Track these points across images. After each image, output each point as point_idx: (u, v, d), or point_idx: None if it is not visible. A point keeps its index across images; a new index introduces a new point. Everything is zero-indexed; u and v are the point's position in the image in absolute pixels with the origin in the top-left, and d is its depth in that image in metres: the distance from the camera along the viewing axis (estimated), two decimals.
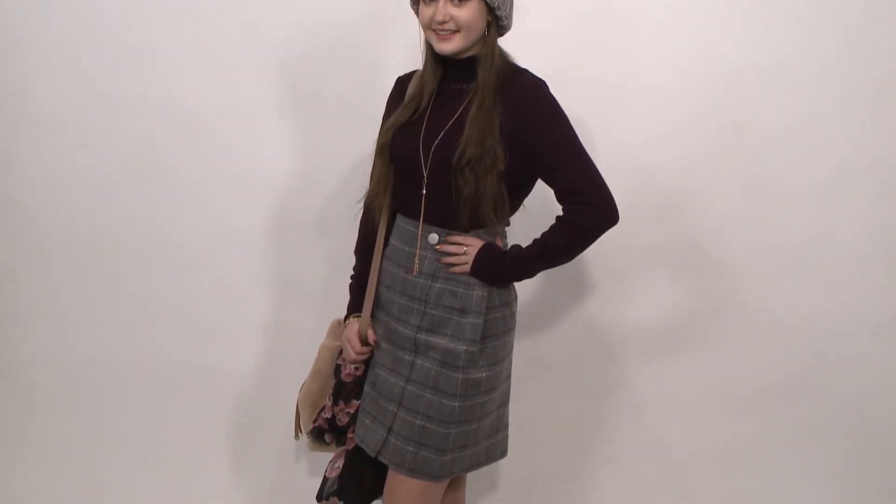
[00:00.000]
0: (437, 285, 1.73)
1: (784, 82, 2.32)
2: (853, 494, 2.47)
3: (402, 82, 1.87)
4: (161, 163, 2.32)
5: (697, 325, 2.43)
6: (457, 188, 1.67)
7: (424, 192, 1.72)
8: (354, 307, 1.86)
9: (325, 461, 2.08)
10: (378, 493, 1.82)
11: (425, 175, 1.71)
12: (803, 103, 2.33)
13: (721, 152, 2.35)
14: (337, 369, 1.86)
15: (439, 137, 1.70)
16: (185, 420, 2.39)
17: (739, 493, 2.47)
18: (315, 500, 1.84)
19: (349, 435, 1.82)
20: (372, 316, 1.82)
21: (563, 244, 1.72)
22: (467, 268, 1.72)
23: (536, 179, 1.77)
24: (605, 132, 2.24)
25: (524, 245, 1.74)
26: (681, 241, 2.39)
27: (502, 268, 1.73)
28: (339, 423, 1.83)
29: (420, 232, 1.74)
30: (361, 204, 1.86)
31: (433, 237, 1.73)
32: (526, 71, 1.75)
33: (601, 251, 2.34)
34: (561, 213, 1.71)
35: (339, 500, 1.80)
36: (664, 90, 2.31)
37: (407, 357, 1.74)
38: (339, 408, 1.83)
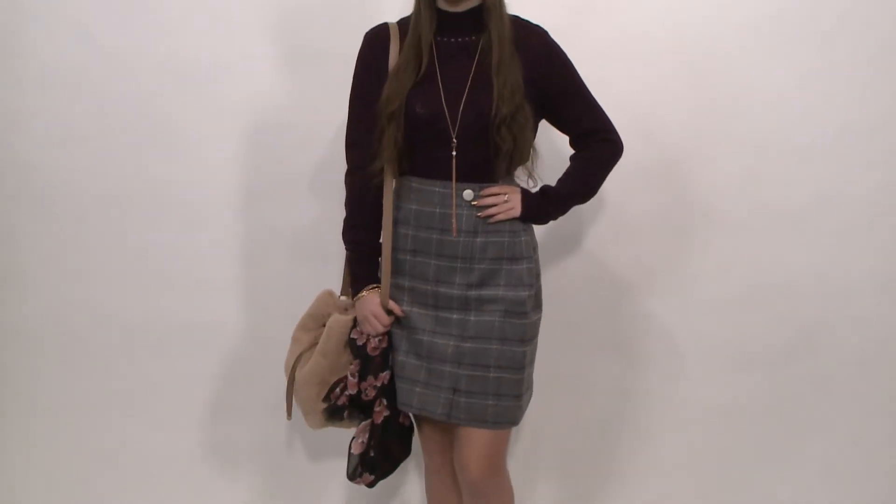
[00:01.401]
0: (479, 240, 1.75)
1: (791, 39, 2.30)
2: (858, 452, 2.48)
3: (375, 39, 1.79)
4: (163, 119, 2.30)
5: (703, 285, 2.42)
6: (494, 146, 1.70)
7: (455, 152, 1.71)
8: (368, 279, 1.80)
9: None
10: (404, 457, 1.87)
11: (454, 136, 1.70)
12: (810, 60, 2.31)
13: (727, 110, 2.33)
14: (352, 343, 1.80)
15: (465, 97, 1.70)
16: (190, 377, 2.40)
17: (745, 450, 2.48)
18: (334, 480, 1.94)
19: (376, 409, 1.79)
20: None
21: (592, 178, 1.84)
22: (515, 213, 1.76)
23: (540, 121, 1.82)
24: (605, 90, 2.20)
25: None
26: (687, 200, 2.38)
27: (546, 207, 1.81)
28: (366, 398, 1.78)
29: (454, 191, 1.73)
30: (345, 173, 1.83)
31: (468, 193, 1.74)
32: (523, 18, 1.77)
33: (606, 211, 2.35)
34: (576, 151, 1.84)
35: (371, 474, 1.80)
36: (668, 47, 2.28)
37: (455, 316, 1.75)
38: (368, 382, 1.78)
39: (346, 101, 2.24)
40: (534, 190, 1.84)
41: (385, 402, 1.79)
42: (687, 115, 2.33)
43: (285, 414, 1.94)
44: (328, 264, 2.32)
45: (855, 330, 2.44)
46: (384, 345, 1.78)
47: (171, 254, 2.36)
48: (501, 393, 1.74)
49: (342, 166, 2.29)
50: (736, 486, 2.48)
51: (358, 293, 1.80)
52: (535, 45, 1.75)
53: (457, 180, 1.73)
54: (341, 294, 1.92)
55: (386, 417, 1.79)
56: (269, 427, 2.42)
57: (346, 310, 1.85)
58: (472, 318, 1.74)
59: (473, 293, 1.75)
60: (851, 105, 2.33)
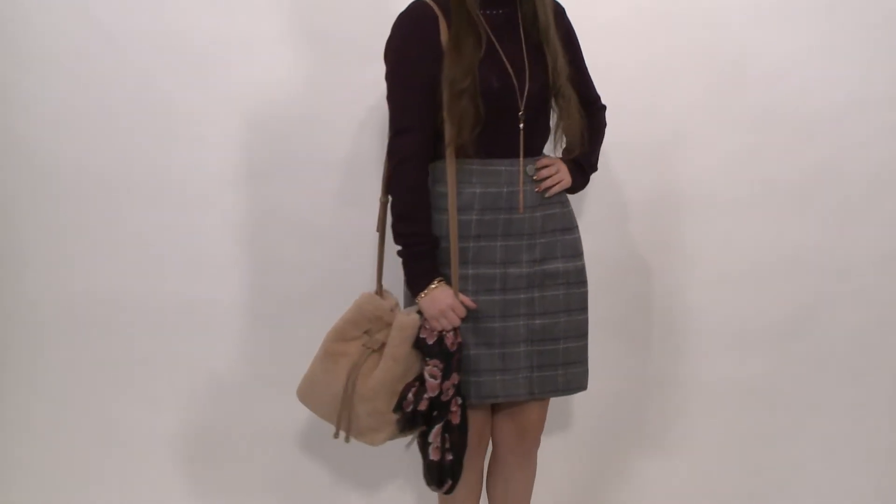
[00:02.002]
0: (538, 214, 1.77)
1: (793, 14, 2.30)
2: (859, 430, 2.49)
3: (423, 18, 1.70)
4: (163, 98, 2.29)
5: (703, 262, 2.42)
6: (548, 116, 1.78)
7: (522, 125, 1.72)
8: (434, 272, 1.69)
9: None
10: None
11: (521, 109, 1.71)
12: (812, 36, 2.30)
13: (727, 87, 2.33)
14: (422, 343, 1.69)
15: (528, 69, 1.72)
16: (190, 357, 2.39)
17: (745, 428, 2.48)
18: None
19: (453, 409, 1.70)
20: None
21: (599, 145, 1.91)
22: (566, 184, 1.80)
23: None
24: (606, 66, 2.20)
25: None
26: (688, 177, 2.38)
27: (584, 176, 1.87)
28: (445, 398, 1.68)
29: (521, 167, 1.74)
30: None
31: (530, 168, 1.76)
32: None
33: (607, 188, 2.35)
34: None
35: (452, 479, 1.72)
36: (668, 23, 2.28)
37: (523, 296, 1.76)
38: (451, 381, 1.68)
39: (348, 81, 2.26)
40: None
41: (459, 400, 1.70)
42: (687, 92, 2.33)
43: (333, 432, 1.80)
44: (326, 244, 2.33)
45: (855, 307, 2.44)
46: (459, 339, 1.69)
47: (171, 234, 2.35)
48: (570, 361, 1.79)
49: (341, 145, 2.32)
50: (735, 464, 2.47)
51: (425, 288, 1.69)
52: (563, 16, 1.83)
53: (525, 155, 1.74)
54: (376, 292, 1.84)
55: (462, 416, 1.71)
56: (268, 407, 2.41)
57: (394, 307, 1.77)
58: (537, 294, 1.76)
59: (538, 269, 1.76)
60: (853, 81, 2.33)
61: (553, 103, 1.78)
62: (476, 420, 1.80)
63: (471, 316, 1.71)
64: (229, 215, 2.35)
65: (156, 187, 2.33)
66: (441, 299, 1.67)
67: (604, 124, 1.93)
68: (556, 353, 1.77)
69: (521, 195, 1.73)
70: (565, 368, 1.78)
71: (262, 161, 2.33)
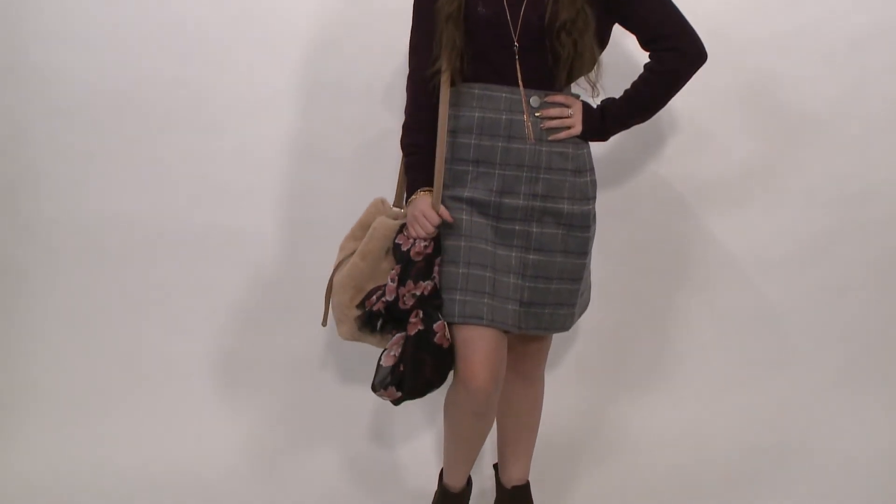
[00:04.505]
0: (545, 149, 1.73)
1: None
2: (875, 360, 2.49)
3: None
4: (183, 20, 2.27)
5: (722, 189, 2.41)
6: (553, 51, 1.67)
7: (517, 56, 1.69)
8: (423, 181, 1.73)
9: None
10: (436, 383, 1.70)
11: (515, 39, 1.68)
12: None
13: (750, 11, 2.30)
14: (396, 248, 1.73)
15: (525, 0, 1.68)
16: (207, 283, 2.39)
17: (761, 357, 2.49)
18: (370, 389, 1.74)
19: (412, 320, 1.69)
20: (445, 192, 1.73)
21: (654, 94, 1.76)
22: (575, 131, 1.74)
23: (612, 28, 1.77)
24: None
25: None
26: (706, 105, 2.35)
27: (606, 125, 1.77)
28: (403, 307, 1.70)
29: (524, 96, 1.71)
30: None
31: (535, 100, 1.72)
32: None
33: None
34: (648, 60, 1.75)
35: (398, 390, 1.68)
36: None
37: (518, 227, 1.74)
38: (407, 289, 1.69)
39: (370, 9, 2.25)
40: (597, 102, 1.81)
41: (422, 314, 1.68)
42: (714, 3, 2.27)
43: (320, 320, 1.90)
44: (347, 172, 2.31)
45: (874, 236, 2.43)
46: (429, 251, 1.70)
47: (188, 157, 2.34)
48: (560, 302, 1.77)
49: (362, 74, 2.30)
50: (751, 391, 2.48)
51: (411, 195, 1.74)
52: None
53: (523, 86, 1.71)
54: (394, 205, 1.88)
55: (420, 331, 1.67)
56: (288, 334, 2.42)
57: (395, 218, 1.80)
58: (534, 229, 1.74)
59: (538, 204, 1.73)
60: (876, 4, 2.30)
61: (559, 37, 1.67)
62: (483, 345, 1.70)
63: (467, 234, 1.71)
64: (248, 140, 2.33)
65: (175, 111, 2.31)
66: (418, 205, 1.70)
67: (668, 70, 1.73)
68: (548, 292, 1.75)
69: (527, 125, 1.71)
70: (553, 308, 1.77)
71: (284, 87, 2.31)
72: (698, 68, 1.75)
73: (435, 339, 1.66)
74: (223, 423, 2.39)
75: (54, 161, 2.34)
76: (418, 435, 2.43)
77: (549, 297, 1.76)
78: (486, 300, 1.69)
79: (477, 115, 1.72)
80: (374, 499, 2.21)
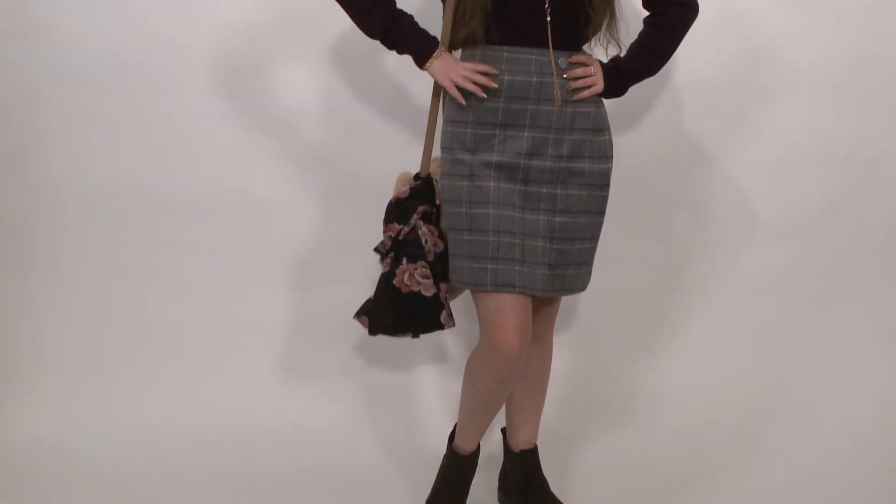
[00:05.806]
0: (570, 109, 1.73)
1: None
2: (882, 324, 2.48)
3: None
4: None
5: (731, 153, 2.40)
6: (585, 14, 1.71)
7: (549, 18, 1.68)
8: (431, 39, 1.71)
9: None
10: (400, 330, 1.76)
11: (547, 2, 1.67)
12: None
13: None
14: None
15: None
16: (215, 245, 2.40)
17: (769, 319, 2.49)
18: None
19: (387, 259, 1.77)
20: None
21: (662, 47, 1.82)
22: (598, 89, 1.75)
23: None
24: None
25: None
26: (717, 68, 2.34)
27: (623, 81, 1.80)
28: (382, 248, 1.79)
29: (553, 59, 1.70)
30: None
31: (563, 61, 1.72)
32: None
33: None
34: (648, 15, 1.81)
35: (367, 316, 1.78)
36: None
37: (545, 190, 1.73)
38: (387, 231, 1.78)
39: None
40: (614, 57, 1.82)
41: (395, 256, 1.75)
42: None
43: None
44: (356, 132, 2.30)
45: (883, 200, 2.42)
46: (406, 194, 1.78)
47: (195, 119, 2.32)
48: (581, 262, 1.80)
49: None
50: (759, 355, 2.49)
51: (430, 56, 1.71)
52: None
53: (554, 47, 1.70)
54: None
55: (385, 273, 1.75)
56: (295, 296, 2.42)
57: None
58: (560, 191, 1.74)
59: (564, 164, 1.73)
60: None
61: (590, 2, 1.69)
62: (513, 309, 1.71)
63: (495, 201, 1.69)
64: (256, 102, 2.32)
65: (181, 74, 2.30)
66: (448, 63, 1.70)
67: (670, 23, 1.80)
68: (572, 252, 1.77)
69: (556, 87, 1.70)
70: (575, 269, 1.79)
71: (287, 47, 2.29)
72: (695, 20, 1.82)
73: (394, 282, 1.73)
74: (232, 385, 2.40)
75: (62, 124, 2.32)
76: (430, 398, 2.45)
77: (573, 257, 1.77)
78: (516, 267, 1.70)
79: (506, 78, 1.70)
80: (387, 459, 2.24)
